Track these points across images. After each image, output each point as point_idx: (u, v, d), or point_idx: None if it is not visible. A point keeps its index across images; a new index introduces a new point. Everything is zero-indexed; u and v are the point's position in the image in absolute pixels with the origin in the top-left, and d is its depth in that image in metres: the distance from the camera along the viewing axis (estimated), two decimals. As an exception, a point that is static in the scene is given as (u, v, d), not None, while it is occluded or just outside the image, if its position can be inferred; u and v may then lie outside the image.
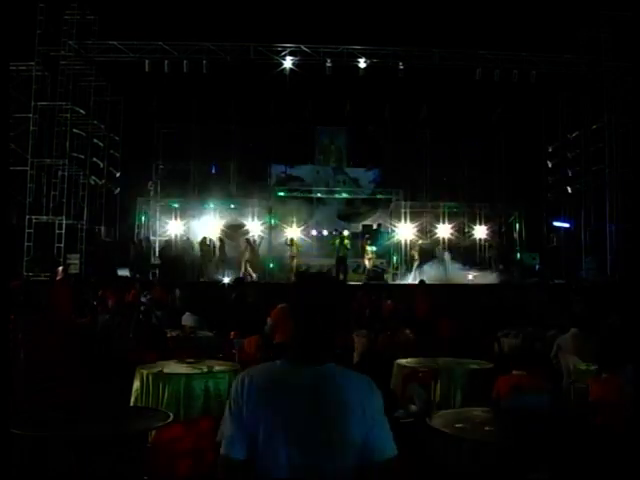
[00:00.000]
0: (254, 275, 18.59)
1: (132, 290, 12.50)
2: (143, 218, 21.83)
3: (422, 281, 15.05)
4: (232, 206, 21.80)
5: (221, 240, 19.70)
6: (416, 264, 19.74)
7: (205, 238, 19.67)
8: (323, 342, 2.10)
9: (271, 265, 20.59)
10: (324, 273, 2.45)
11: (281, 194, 22.27)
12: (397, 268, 20.88)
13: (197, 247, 19.67)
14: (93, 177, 20.11)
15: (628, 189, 18.15)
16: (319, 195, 22.97)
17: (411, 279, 18.89)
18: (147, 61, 18.47)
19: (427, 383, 6.48)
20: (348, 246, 18.76)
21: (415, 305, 11.91)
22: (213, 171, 23.27)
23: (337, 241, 18.87)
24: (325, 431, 1.98)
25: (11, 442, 3.70)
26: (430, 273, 18.74)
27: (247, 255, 19.07)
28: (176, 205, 21.97)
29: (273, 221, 21.34)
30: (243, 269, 18.66)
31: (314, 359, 2.08)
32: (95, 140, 20.16)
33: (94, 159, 20.14)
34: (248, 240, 19.66)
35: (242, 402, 2.08)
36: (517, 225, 22.33)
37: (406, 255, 20.88)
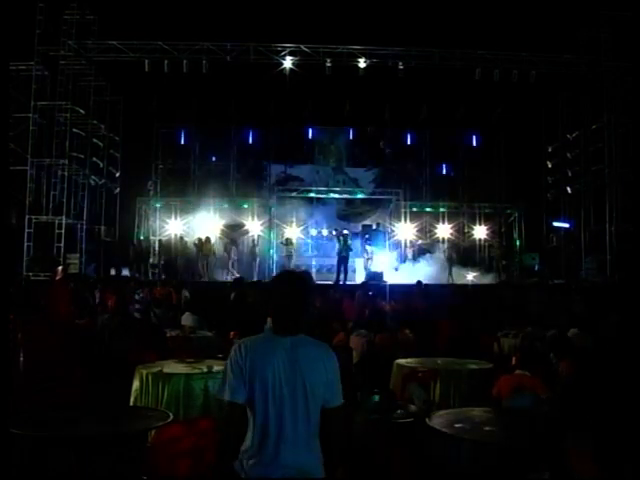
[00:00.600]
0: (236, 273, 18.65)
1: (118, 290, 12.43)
2: (143, 218, 21.84)
3: (419, 282, 15.09)
4: (226, 206, 21.80)
5: (233, 241, 19.86)
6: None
7: (201, 238, 19.70)
8: (295, 319, 2.91)
9: (273, 264, 20.61)
10: (295, 270, 3.20)
11: (280, 194, 22.27)
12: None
13: (192, 246, 19.74)
14: (93, 177, 20.13)
15: (628, 189, 18.17)
16: (319, 195, 22.98)
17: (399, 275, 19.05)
18: (147, 61, 18.49)
19: (427, 383, 6.47)
20: (351, 247, 18.80)
21: (414, 305, 11.90)
22: (212, 171, 23.24)
23: (341, 240, 18.92)
24: (300, 377, 2.82)
25: (11, 442, 3.70)
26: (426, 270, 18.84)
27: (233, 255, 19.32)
28: (176, 205, 21.97)
29: (272, 221, 21.36)
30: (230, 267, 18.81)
31: (290, 331, 2.89)
32: (95, 140, 20.18)
33: (94, 159, 20.16)
34: (233, 240, 19.82)
35: (242, 362, 2.85)
36: (517, 225, 22.35)
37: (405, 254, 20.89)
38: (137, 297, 12.07)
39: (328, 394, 2.88)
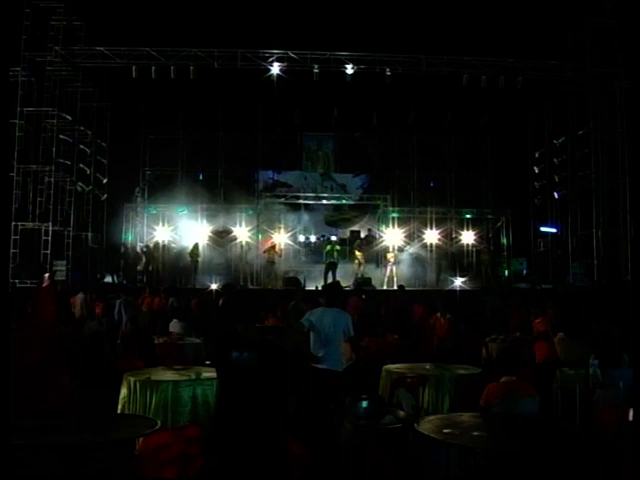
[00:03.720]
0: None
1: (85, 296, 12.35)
2: (130, 225, 21.74)
3: (401, 286, 15.29)
4: (214, 212, 21.79)
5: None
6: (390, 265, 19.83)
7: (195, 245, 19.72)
8: (336, 301, 6.52)
9: (258, 271, 20.55)
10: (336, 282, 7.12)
11: (269, 200, 22.25)
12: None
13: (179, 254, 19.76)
14: (80, 183, 20.01)
15: (614, 194, 18.31)
16: (307, 201, 22.98)
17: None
18: (134, 67, 18.45)
19: (415, 389, 6.49)
20: (339, 253, 18.86)
21: (408, 310, 11.95)
22: (200, 177, 23.20)
23: (329, 247, 18.95)
24: (335, 323, 6.20)
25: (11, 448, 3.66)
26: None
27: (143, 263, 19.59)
28: (163, 211, 21.89)
29: (260, 228, 21.33)
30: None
31: (332, 305, 6.40)
32: (82, 146, 20.07)
33: (81, 165, 20.04)
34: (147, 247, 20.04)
35: (311, 316, 6.28)
36: (504, 230, 22.45)
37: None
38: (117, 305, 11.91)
39: (347, 331, 6.28)
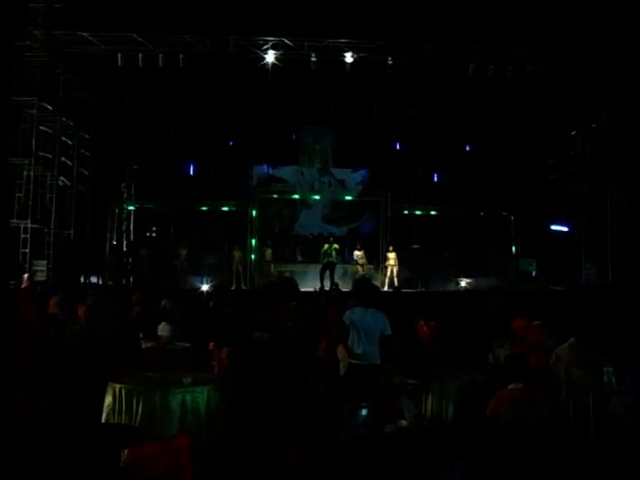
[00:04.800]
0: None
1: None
2: (116, 222, 21.72)
3: (397, 288, 15.32)
4: (204, 209, 21.83)
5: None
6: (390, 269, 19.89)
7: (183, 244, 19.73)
8: (372, 301, 7.14)
9: (252, 271, 20.59)
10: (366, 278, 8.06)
11: (263, 196, 22.25)
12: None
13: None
14: (61, 178, 19.97)
15: (630, 190, 18.27)
16: (303, 197, 22.98)
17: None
18: (120, 54, 18.39)
19: (417, 396, 6.49)
20: (338, 252, 18.88)
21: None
22: (191, 172, 23.18)
23: (326, 246, 18.92)
24: (372, 321, 6.86)
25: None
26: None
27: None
28: (151, 208, 21.89)
29: (255, 225, 21.33)
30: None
31: (369, 306, 6.95)
32: (63, 138, 20.01)
33: (62, 158, 19.99)
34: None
35: (353, 315, 6.91)
36: (513, 229, 22.46)
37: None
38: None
39: (384, 329, 6.91)
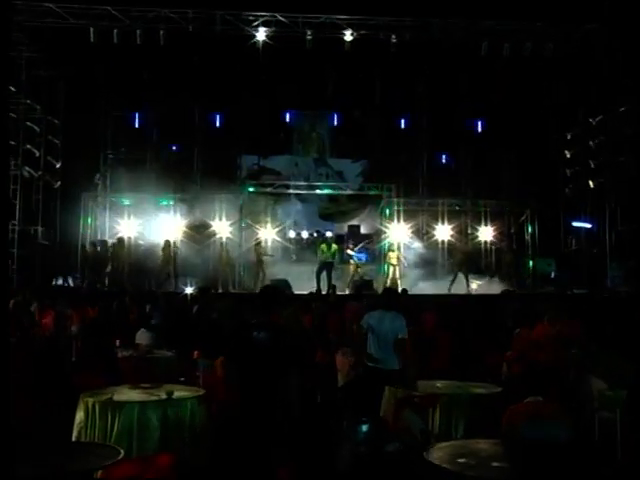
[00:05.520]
0: None
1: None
2: (90, 218, 21.66)
3: (405, 290, 15.37)
4: (189, 203, 21.76)
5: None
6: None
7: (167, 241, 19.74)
8: (390, 307, 7.86)
9: (241, 272, 20.58)
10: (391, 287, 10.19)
11: (253, 189, 22.23)
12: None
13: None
14: (27, 168, 19.92)
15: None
16: (297, 191, 22.98)
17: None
18: (92, 29, 18.34)
19: (424, 410, 6.49)
20: (335, 251, 18.88)
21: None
22: (173, 162, 23.14)
23: (323, 246, 18.87)
24: (389, 325, 7.60)
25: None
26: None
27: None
28: (129, 202, 21.84)
29: (244, 222, 21.31)
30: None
31: (389, 308, 7.83)
32: (29, 123, 19.95)
33: (28, 146, 19.94)
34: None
35: (370, 319, 7.76)
36: (529, 226, 22.49)
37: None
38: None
39: (400, 332, 7.47)
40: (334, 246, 18.86)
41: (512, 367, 8.33)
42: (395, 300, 8.39)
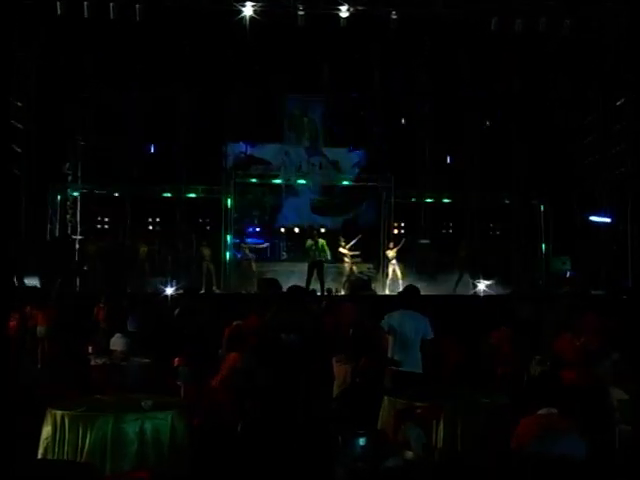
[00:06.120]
0: None
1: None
2: (58, 211, 21.60)
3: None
4: (177, 195, 21.76)
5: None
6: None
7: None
8: (413, 304, 8.12)
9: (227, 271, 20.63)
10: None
11: (240, 180, 22.20)
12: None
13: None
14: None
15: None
16: (288, 182, 22.97)
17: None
18: (58, 1, 18.22)
19: (427, 423, 6.49)
20: (327, 252, 18.86)
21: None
22: (152, 150, 23.10)
23: (309, 243, 18.81)
24: (413, 325, 7.83)
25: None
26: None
27: None
28: (103, 193, 21.80)
29: (230, 216, 21.32)
30: None
31: (410, 308, 8.02)
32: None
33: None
34: None
35: (391, 320, 7.92)
36: (543, 221, 22.52)
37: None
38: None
39: (425, 333, 7.74)
40: (321, 241, 18.69)
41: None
42: (417, 299, 8.42)
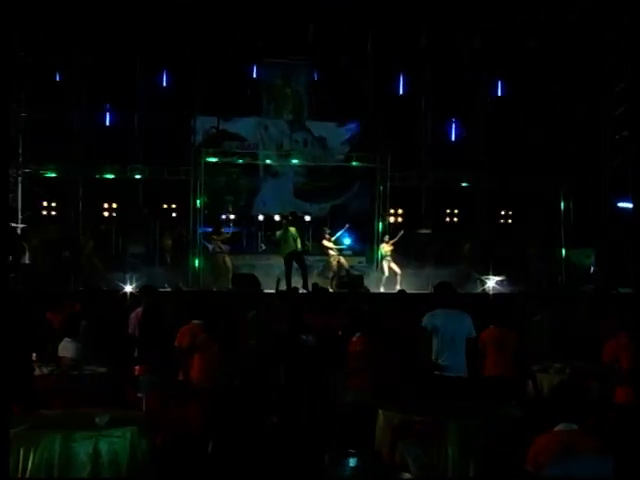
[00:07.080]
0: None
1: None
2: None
3: (402, 291, 15.51)
4: (137, 176, 21.69)
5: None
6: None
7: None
8: (452, 301, 8.68)
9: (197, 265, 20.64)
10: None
11: (211, 159, 22.15)
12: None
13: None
14: None
15: None
16: (268, 162, 22.95)
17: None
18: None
19: (427, 440, 6.51)
20: (305, 237, 18.85)
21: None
22: (107, 123, 23.00)
23: (279, 233, 18.61)
24: (457, 325, 8.33)
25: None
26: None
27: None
28: (50, 175, 21.73)
29: (200, 200, 21.29)
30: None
31: (448, 306, 8.50)
32: None
33: None
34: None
35: (435, 319, 8.27)
36: (564, 209, 22.58)
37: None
38: None
39: (469, 333, 8.25)
40: (291, 229, 18.37)
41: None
42: (453, 295, 8.79)
